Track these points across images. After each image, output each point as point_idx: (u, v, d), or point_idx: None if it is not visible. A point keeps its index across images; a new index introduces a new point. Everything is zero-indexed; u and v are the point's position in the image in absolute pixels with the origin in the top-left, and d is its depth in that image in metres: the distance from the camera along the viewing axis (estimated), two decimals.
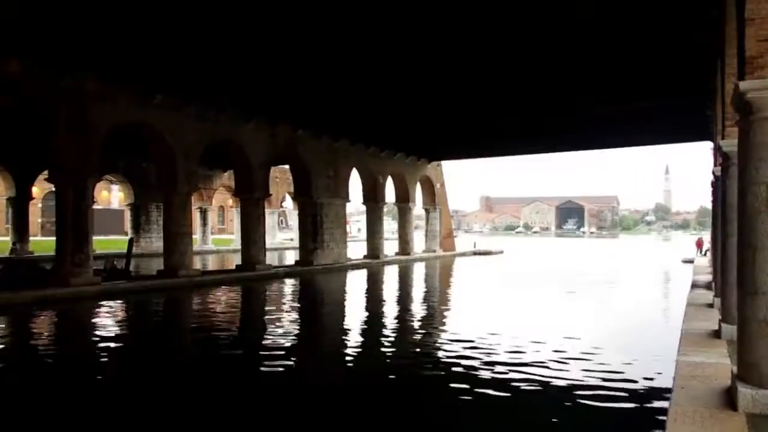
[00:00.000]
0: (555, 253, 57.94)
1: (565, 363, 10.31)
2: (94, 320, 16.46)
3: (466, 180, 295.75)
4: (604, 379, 9.20)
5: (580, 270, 35.00)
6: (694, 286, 18.96)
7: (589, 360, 10.57)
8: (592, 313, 17.51)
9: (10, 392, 9.12)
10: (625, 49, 17.51)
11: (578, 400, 8.18)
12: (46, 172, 22.62)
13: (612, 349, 11.66)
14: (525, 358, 10.78)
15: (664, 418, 5.98)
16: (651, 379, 9.20)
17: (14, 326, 15.28)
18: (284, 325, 15.54)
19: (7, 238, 41.05)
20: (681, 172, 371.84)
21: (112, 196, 65.89)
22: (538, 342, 12.40)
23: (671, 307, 17.99)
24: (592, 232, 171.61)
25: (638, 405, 8.03)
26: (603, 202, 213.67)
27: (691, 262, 36.06)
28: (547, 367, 10.02)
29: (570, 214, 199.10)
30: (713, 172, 16.22)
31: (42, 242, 43.07)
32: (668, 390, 7.47)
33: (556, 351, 11.40)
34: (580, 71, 19.72)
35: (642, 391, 8.61)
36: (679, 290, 20.88)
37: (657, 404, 7.87)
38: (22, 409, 8.21)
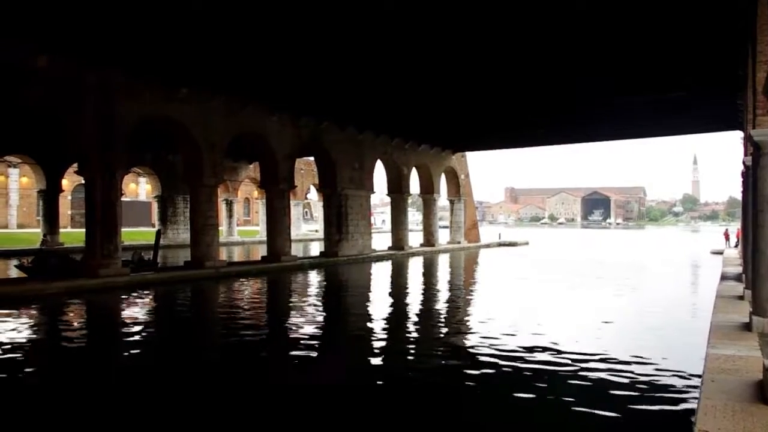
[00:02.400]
0: (581, 244, 57.45)
1: (592, 355, 10.23)
2: (123, 311, 16.72)
3: (491, 171, 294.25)
4: (633, 372, 9.11)
5: (607, 261, 34.68)
6: (724, 277, 18.70)
7: (617, 352, 10.48)
8: (620, 306, 17.33)
9: (42, 381, 9.30)
10: (653, 38, 17.26)
11: (606, 392, 8.13)
12: (75, 165, 22.94)
13: (640, 342, 11.55)
14: (549, 349, 10.71)
15: (693, 408, 5.93)
16: (680, 371, 9.09)
17: (47, 316, 15.54)
18: (310, 316, 15.60)
19: (39, 230, 41.84)
20: (710, 163, 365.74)
21: (139, 188, 66.68)
22: (563, 333, 12.35)
23: (700, 299, 17.76)
24: (618, 223, 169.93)
25: (667, 397, 7.95)
26: (629, 193, 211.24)
27: (720, 253, 35.54)
28: (573, 358, 9.96)
29: (596, 205, 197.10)
30: (744, 162, 15.94)
31: (72, 234, 43.78)
32: (698, 382, 7.40)
33: (582, 342, 11.33)
34: (607, 61, 19.47)
35: (671, 384, 8.52)
36: (708, 282, 20.62)
37: (686, 396, 7.80)
38: (54, 397, 8.37)
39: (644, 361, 9.80)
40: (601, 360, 9.91)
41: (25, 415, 7.59)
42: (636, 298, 19.09)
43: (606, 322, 14.04)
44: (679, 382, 8.58)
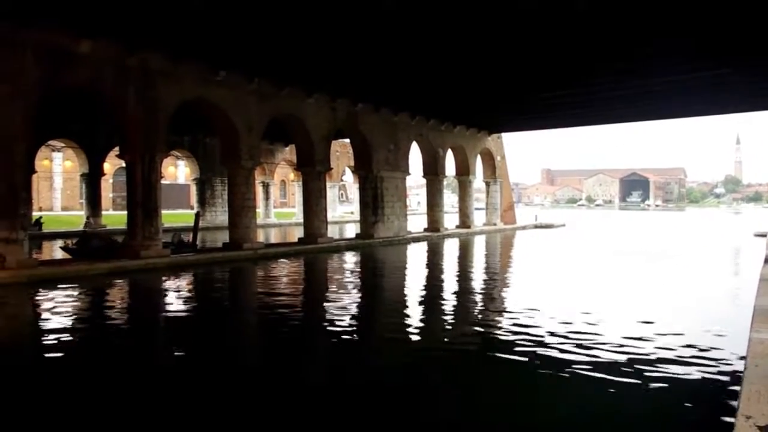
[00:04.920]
0: (619, 226, 56.67)
1: (632, 340, 10.12)
2: (165, 291, 17.08)
3: (527, 152, 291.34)
4: (673, 356, 9.02)
5: (646, 243, 34.19)
6: None
7: (657, 336, 10.36)
8: (658, 288, 17.09)
9: (91, 358, 9.59)
10: (693, 11, 16.79)
11: (645, 380, 8.06)
12: (116, 148, 23.38)
13: (682, 325, 11.42)
14: (588, 334, 10.64)
15: (735, 392, 5.86)
16: (722, 356, 8.98)
17: (92, 295, 15.94)
18: (346, 297, 15.71)
19: (82, 213, 42.88)
20: (753, 142, 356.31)
21: (178, 171, 67.71)
22: (602, 318, 12.26)
23: (743, 282, 17.42)
24: (657, 205, 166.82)
25: (709, 382, 7.86)
26: (669, 174, 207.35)
27: (764, 236, 34.71)
28: (610, 344, 9.88)
29: (634, 187, 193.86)
30: None
31: (113, 216, 44.80)
32: (741, 367, 7.30)
33: (621, 327, 11.23)
34: (646, 37, 19.02)
35: (712, 369, 8.41)
36: (751, 265, 20.20)
37: (728, 382, 7.70)
38: (100, 374, 8.62)
39: (685, 345, 9.68)
40: (641, 344, 9.78)
41: (71, 392, 7.84)
42: (675, 280, 18.81)
43: (645, 305, 13.87)
44: (721, 367, 8.47)
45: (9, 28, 16.79)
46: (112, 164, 49.12)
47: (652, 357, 9.05)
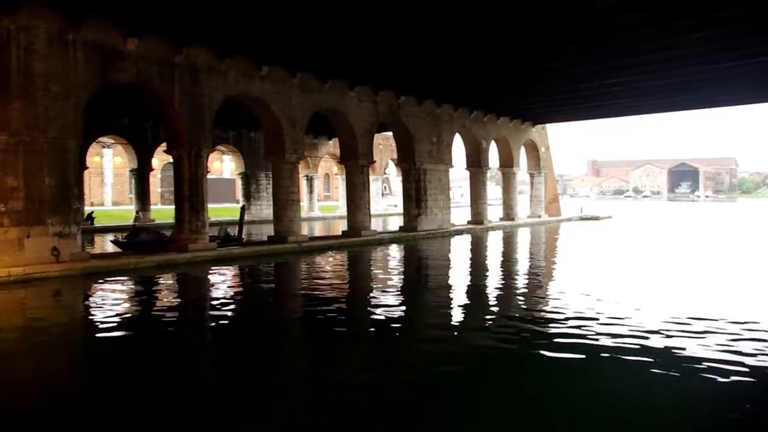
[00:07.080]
0: (668, 218, 55.38)
1: (682, 346, 9.93)
2: (214, 283, 17.38)
3: (572, 143, 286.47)
4: (730, 359, 8.79)
5: (699, 238, 33.35)
6: None
7: (710, 335, 10.12)
8: (714, 286, 16.67)
9: (137, 347, 9.85)
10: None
11: (698, 390, 7.90)
12: (164, 144, 23.85)
13: (734, 322, 11.13)
14: (644, 333, 10.46)
15: None
16: None
17: (142, 287, 16.31)
18: (391, 291, 15.73)
19: (131, 207, 43.92)
20: None
21: (223, 165, 68.72)
22: (653, 317, 12.03)
23: None
24: (707, 197, 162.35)
25: (756, 385, 7.65)
26: (719, 164, 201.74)
27: None
28: (655, 348, 9.69)
29: (683, 177, 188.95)
30: None
31: (162, 210, 45.79)
32: None
33: (674, 330, 10.99)
34: (696, 22, 18.51)
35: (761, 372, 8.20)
36: None
37: None
38: (156, 362, 8.84)
39: (740, 346, 9.45)
40: (699, 345, 9.56)
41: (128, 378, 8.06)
42: (731, 276, 18.33)
43: (699, 307, 13.56)
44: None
45: (61, 28, 17.31)
46: (160, 160, 50.05)
47: (710, 355, 8.82)
